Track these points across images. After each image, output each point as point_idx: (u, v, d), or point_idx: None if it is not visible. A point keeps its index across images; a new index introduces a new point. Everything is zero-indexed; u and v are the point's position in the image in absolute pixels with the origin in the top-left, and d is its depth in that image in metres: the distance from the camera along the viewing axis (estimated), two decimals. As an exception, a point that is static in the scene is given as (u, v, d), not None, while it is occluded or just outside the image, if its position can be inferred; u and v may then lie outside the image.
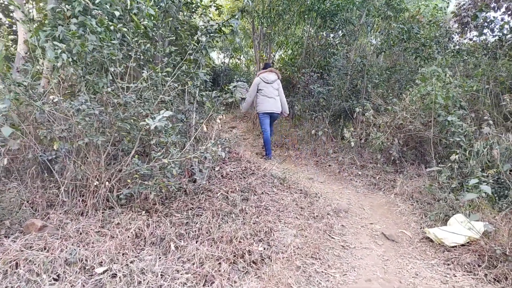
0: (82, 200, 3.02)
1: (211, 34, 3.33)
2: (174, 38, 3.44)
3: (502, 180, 3.47)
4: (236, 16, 3.56)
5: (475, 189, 3.09)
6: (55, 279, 2.04)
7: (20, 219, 2.74)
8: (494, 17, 6.52)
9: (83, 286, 2.02)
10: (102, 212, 2.88)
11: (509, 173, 3.53)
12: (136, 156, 3.02)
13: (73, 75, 3.04)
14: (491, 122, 3.87)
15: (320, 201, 3.76)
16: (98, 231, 2.66)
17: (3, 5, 6.46)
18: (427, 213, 3.45)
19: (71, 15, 3.22)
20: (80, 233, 2.59)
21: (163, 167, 2.93)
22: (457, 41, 7.39)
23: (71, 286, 2.00)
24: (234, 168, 4.26)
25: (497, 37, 5.99)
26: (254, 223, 2.95)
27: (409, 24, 6.66)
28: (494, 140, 3.67)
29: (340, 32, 8.31)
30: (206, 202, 3.28)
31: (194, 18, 6.14)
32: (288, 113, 5.98)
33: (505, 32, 5.87)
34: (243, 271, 2.29)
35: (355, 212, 3.69)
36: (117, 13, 2.83)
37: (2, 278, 2.00)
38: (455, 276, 2.46)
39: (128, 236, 2.60)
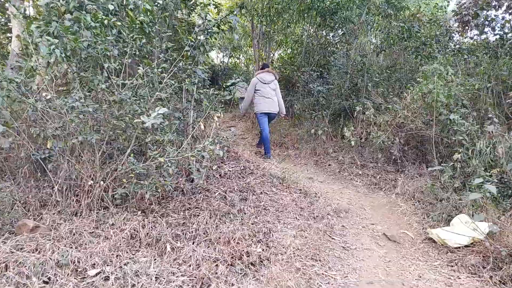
0: (76, 200, 2.95)
1: (209, 30, 3.26)
2: (170, 33, 3.35)
3: (506, 180, 3.40)
4: (235, 12, 3.49)
5: (479, 189, 3.03)
6: (45, 282, 1.96)
7: (12, 220, 2.66)
8: (495, 15, 6.45)
9: (75, 289, 1.94)
10: (97, 213, 2.81)
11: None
12: (132, 154, 2.94)
13: (67, 71, 2.96)
14: (496, 120, 3.79)
15: (320, 201, 3.69)
16: (92, 232, 2.59)
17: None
18: (429, 213, 3.38)
19: (65, 11, 3.15)
20: (73, 234, 2.52)
21: (159, 166, 2.86)
22: (458, 40, 7.32)
23: (62, 289, 1.93)
24: (232, 167, 4.19)
25: (498, 36, 5.93)
26: (252, 224, 2.88)
27: (410, 23, 6.59)
28: (498, 138, 3.60)
29: (340, 30, 8.24)
30: (204, 202, 3.21)
31: (193, 17, 6.07)
32: (285, 113, 6.00)
33: (506, 30, 5.80)
34: (241, 273, 2.21)
35: (355, 212, 3.62)
36: (111, 7, 2.76)
37: (-10, 281, 1.93)
38: (459, 278, 2.39)
39: (123, 237, 2.53)
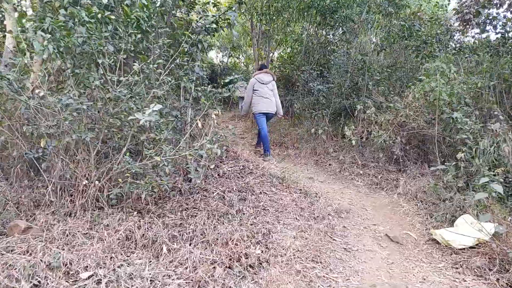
0: (71, 200, 2.87)
1: (207, 26, 3.18)
2: (167, 29, 3.27)
3: (511, 179, 3.33)
4: (233, 8, 3.41)
5: (483, 188, 2.95)
6: (35, 285, 1.89)
7: (4, 221, 2.58)
8: (497, 13, 6.38)
9: (66, 293, 1.87)
10: (91, 213, 2.73)
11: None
12: (128, 153, 2.86)
13: (61, 68, 2.88)
14: (501, 117, 3.72)
15: (320, 201, 3.62)
16: (86, 233, 2.51)
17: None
18: (432, 213, 3.31)
19: (59, 6, 3.08)
20: (67, 235, 2.44)
21: (155, 165, 2.78)
22: (458, 39, 7.25)
23: (53, 293, 1.85)
24: (231, 167, 4.11)
25: (499, 35, 5.86)
26: (251, 225, 2.80)
27: (410, 21, 6.52)
28: (503, 137, 3.52)
29: (340, 29, 8.16)
30: (202, 202, 3.13)
31: (192, 15, 6.00)
32: (282, 114, 6.02)
33: (508, 29, 5.73)
34: (239, 276, 2.13)
35: (357, 212, 3.54)
36: (104, 0, 2.68)
37: (-23, 285, 1.85)
38: (465, 280, 2.32)
39: (118, 238, 2.45)
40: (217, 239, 2.47)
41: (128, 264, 2.15)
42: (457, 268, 2.47)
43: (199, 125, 2.91)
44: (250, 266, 2.23)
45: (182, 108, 3.69)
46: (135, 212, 2.85)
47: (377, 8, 7.38)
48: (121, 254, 2.26)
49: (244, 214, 3.00)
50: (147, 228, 2.60)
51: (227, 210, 2.99)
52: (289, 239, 2.65)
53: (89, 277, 1.97)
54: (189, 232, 2.58)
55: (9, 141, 3.04)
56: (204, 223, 2.70)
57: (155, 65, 2.80)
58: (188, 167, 3.40)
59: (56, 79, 3.18)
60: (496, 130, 3.59)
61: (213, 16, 3.29)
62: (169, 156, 2.73)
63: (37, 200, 2.88)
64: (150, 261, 2.23)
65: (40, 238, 2.37)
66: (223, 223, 2.75)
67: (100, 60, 2.64)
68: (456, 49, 6.52)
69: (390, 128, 4.81)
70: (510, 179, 3.31)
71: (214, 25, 3.31)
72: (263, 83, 5.49)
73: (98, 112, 2.86)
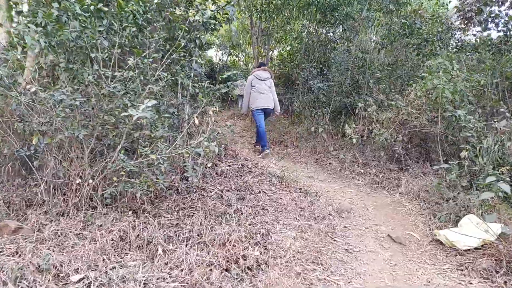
0: (64, 199, 2.79)
1: (205, 21, 3.09)
2: (164, 23, 3.17)
3: (516, 178, 3.25)
4: (232, 3, 3.32)
5: (489, 188, 2.87)
6: (23, 289, 1.80)
7: (-6, 221, 2.50)
8: (499, 10, 6.30)
9: (55, 296, 1.79)
10: (85, 213, 2.65)
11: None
12: (123, 151, 2.78)
13: (54, 63, 2.79)
14: (508, 114, 3.63)
15: (321, 201, 3.53)
16: (79, 234, 2.43)
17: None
18: (435, 213, 3.22)
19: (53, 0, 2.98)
20: (58, 236, 2.36)
21: (151, 163, 2.69)
22: (460, 37, 7.18)
23: (41, 297, 1.77)
24: (230, 165, 4.02)
25: (501, 33, 5.78)
26: (250, 225, 2.72)
27: (411, 19, 6.44)
28: (507, 135, 3.44)
29: (340, 27, 8.07)
30: (199, 201, 3.04)
31: (191, 11, 5.90)
32: (280, 111, 6.04)
33: (510, 27, 5.66)
34: (236, 279, 2.05)
35: (358, 212, 3.46)
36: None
37: (-38, 288, 1.77)
38: (471, 283, 2.24)
39: (112, 239, 2.37)
40: (214, 240, 2.38)
41: (121, 266, 2.07)
42: (462, 270, 2.39)
43: (196, 122, 2.82)
44: (248, 268, 2.15)
45: (179, 105, 3.60)
46: (130, 212, 2.77)
47: (378, 5, 7.29)
48: (115, 255, 2.18)
49: (242, 214, 2.92)
50: (142, 228, 2.52)
51: (225, 210, 2.91)
52: (289, 240, 2.57)
53: (79, 280, 1.89)
54: (185, 232, 2.50)
55: (0, 139, 2.94)
56: (201, 223, 2.62)
57: (150, 60, 2.71)
58: (185, 166, 3.32)
59: (48, 74, 3.08)
60: (500, 128, 3.51)
61: (211, 11, 3.20)
62: (165, 154, 2.65)
63: (29, 199, 2.80)
64: (145, 263, 2.15)
65: (31, 239, 2.29)
66: (220, 223, 2.67)
67: (93, 54, 2.55)
68: (458, 47, 6.44)
69: (391, 126, 4.72)
70: (516, 178, 3.23)
71: (212, 20, 3.21)
72: (261, 80, 5.53)
73: (92, 108, 2.77)
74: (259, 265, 2.19)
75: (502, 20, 5.97)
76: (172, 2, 3.64)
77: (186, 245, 2.35)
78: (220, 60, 12.69)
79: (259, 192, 3.47)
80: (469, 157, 3.61)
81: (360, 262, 2.47)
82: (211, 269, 2.09)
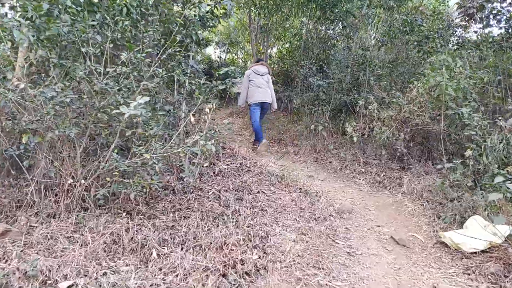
0: (55, 200, 2.68)
1: (201, 15, 2.98)
2: (158, 16, 3.06)
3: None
4: (230, -3, 3.21)
5: (495, 188, 2.78)
6: (7, 297, 1.71)
7: (-19, 223, 2.39)
8: (501, 7, 6.20)
9: (41, 305, 1.69)
10: (77, 214, 2.54)
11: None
12: (116, 150, 2.67)
13: (43, 58, 2.68)
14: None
15: (321, 201, 3.44)
16: (70, 237, 2.33)
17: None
18: (439, 214, 3.13)
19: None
20: (48, 239, 2.26)
21: (145, 163, 2.59)
22: (460, 34, 7.09)
23: (26, 306, 1.67)
24: (228, 164, 3.92)
25: (503, 30, 5.70)
26: (248, 227, 2.62)
27: (412, 16, 6.33)
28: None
29: (340, 24, 7.96)
30: (196, 202, 2.94)
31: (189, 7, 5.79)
32: (276, 108, 6.01)
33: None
34: (234, 285, 1.95)
35: (359, 213, 3.37)
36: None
37: None
38: (479, 288, 2.15)
39: (105, 242, 2.28)
40: (210, 243, 2.29)
41: (113, 272, 1.97)
42: (469, 274, 2.30)
43: (192, 120, 2.72)
44: (246, 273, 2.05)
45: (175, 103, 3.50)
46: (124, 213, 2.66)
47: (378, 2, 7.18)
48: (106, 260, 2.08)
49: (240, 215, 2.82)
50: (136, 230, 2.43)
51: (222, 211, 2.81)
52: (289, 242, 2.47)
53: (68, 287, 1.79)
54: (181, 235, 2.40)
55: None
56: (197, 226, 2.52)
57: (144, 55, 2.60)
58: (181, 165, 3.22)
59: (40, 71, 2.97)
60: (506, 126, 3.41)
61: (208, 4, 3.09)
62: (160, 153, 2.54)
63: (19, 200, 2.69)
64: (138, 268, 2.05)
65: (19, 243, 2.18)
66: (218, 225, 2.57)
67: (84, 49, 2.44)
68: (459, 44, 6.35)
69: (393, 124, 4.62)
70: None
71: (209, 14, 3.10)
72: (258, 74, 5.52)
73: (84, 106, 2.66)
74: (258, 270, 2.09)
75: (504, 17, 5.89)
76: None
77: (181, 249, 2.25)
78: (218, 57, 12.57)
79: (258, 192, 3.37)
80: (473, 156, 3.52)
81: (363, 266, 2.37)
82: (207, 275, 1.99)
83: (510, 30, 5.61)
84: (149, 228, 2.45)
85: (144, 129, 2.57)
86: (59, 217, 2.54)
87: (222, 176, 3.59)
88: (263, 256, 2.23)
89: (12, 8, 3.37)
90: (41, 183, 2.72)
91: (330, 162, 5.09)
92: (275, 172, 3.95)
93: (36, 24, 2.44)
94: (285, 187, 3.64)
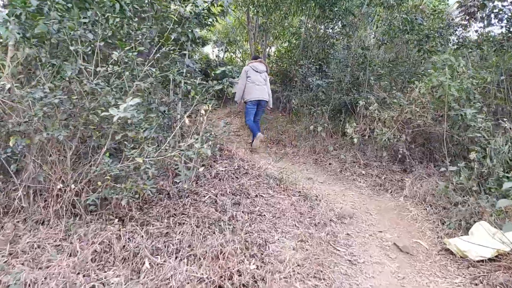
0: (44, 206, 2.56)
1: (197, 12, 2.87)
2: (152, 13, 2.95)
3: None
4: (227, -6, 3.09)
5: (501, 192, 2.68)
6: (-13, 314, 1.59)
7: (-35, 231, 2.28)
8: (503, 5, 6.11)
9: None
10: (66, 221, 2.43)
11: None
12: (108, 154, 2.56)
13: (30, 57, 2.56)
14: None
15: (321, 205, 3.33)
16: (58, 245, 2.22)
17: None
18: (444, 219, 3.03)
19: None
20: (35, 248, 2.14)
21: (137, 167, 2.48)
22: (461, 33, 7.00)
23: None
24: (225, 167, 3.81)
25: (504, 29, 5.61)
26: (246, 234, 2.51)
27: (412, 14, 6.24)
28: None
29: (339, 23, 7.85)
30: (191, 207, 2.83)
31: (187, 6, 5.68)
32: (272, 106, 5.95)
33: (513, 23, 5.49)
34: (230, 298, 1.85)
35: (361, 217, 3.26)
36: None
37: None
38: (487, 299, 2.05)
39: (95, 250, 2.16)
40: (206, 252, 2.18)
41: (103, 284, 1.86)
42: (476, 285, 2.20)
43: (187, 122, 2.60)
44: (244, 285, 1.94)
45: (171, 103, 3.38)
46: (116, 220, 2.55)
47: (378, 0, 7.08)
48: (96, 271, 1.97)
49: (237, 221, 2.71)
50: (129, 238, 2.32)
51: (219, 217, 2.70)
52: (288, 251, 2.36)
53: (53, 302, 1.68)
54: (175, 243, 2.29)
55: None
56: (192, 233, 2.41)
57: (136, 54, 2.48)
58: (177, 169, 3.10)
59: (30, 70, 2.85)
60: (511, 128, 3.31)
61: (205, 1, 2.97)
62: (153, 157, 2.43)
63: (7, 205, 2.57)
64: (130, 279, 1.95)
65: (3, 252, 2.07)
66: (214, 232, 2.46)
67: (72, 47, 2.32)
68: (459, 43, 6.26)
69: (394, 125, 4.52)
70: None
71: (205, 12, 2.98)
72: (257, 71, 5.42)
73: (74, 107, 2.54)
74: (256, 282, 1.98)
75: (506, 16, 5.80)
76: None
77: (175, 258, 2.14)
78: (216, 56, 12.45)
79: (256, 196, 3.26)
80: (476, 158, 3.42)
81: (366, 276, 2.27)
82: (202, 287, 1.88)
83: (511, 29, 5.52)
84: (142, 236, 2.34)
85: (136, 131, 2.45)
86: (48, 224, 2.43)
87: (219, 179, 3.48)
88: (261, 266, 2.13)
89: (4, 6, 3.25)
90: (29, 187, 2.60)
91: (329, 163, 4.98)
92: (274, 175, 3.85)
93: (21, 21, 2.31)
94: (284, 191, 3.54)
